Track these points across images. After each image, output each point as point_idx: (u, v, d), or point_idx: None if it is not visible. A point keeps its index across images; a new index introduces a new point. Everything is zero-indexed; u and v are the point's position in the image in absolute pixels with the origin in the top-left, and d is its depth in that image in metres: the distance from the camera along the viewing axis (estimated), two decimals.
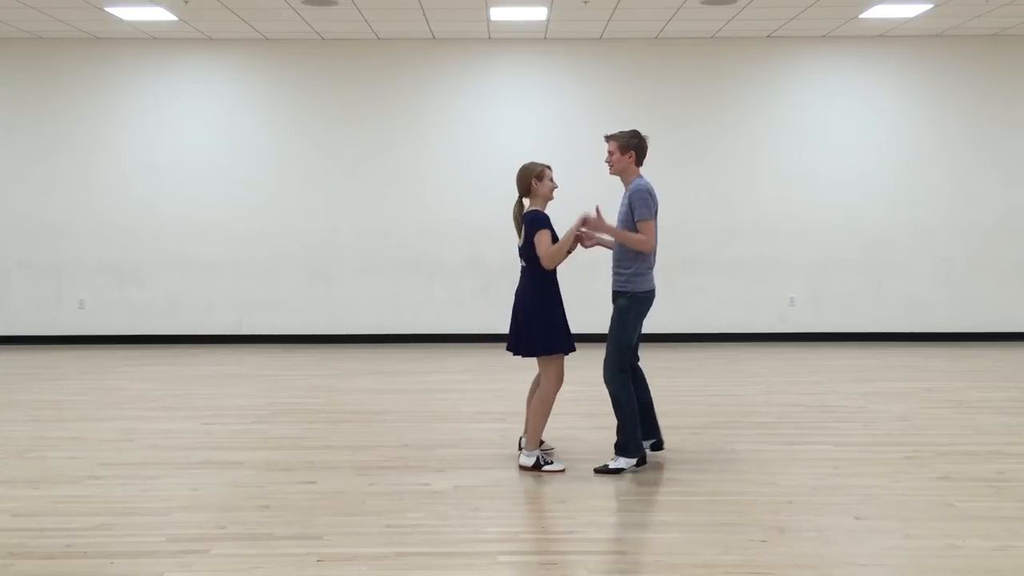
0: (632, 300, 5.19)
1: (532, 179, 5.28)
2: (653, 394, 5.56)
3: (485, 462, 5.44)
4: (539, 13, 9.12)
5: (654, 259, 5.27)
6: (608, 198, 10.05)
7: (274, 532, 4.25)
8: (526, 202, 5.34)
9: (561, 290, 5.32)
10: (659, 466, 5.38)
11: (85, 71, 10.32)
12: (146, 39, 10.22)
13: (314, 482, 5.05)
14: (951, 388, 7.77)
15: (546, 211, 5.30)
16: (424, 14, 9.09)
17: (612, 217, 5.30)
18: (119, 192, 10.39)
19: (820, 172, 10.44)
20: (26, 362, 9.31)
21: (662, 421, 5.65)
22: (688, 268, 10.41)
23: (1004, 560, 3.90)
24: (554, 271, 5.27)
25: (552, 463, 5.27)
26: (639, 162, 5.26)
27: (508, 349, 5.38)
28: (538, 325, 5.21)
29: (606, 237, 5.34)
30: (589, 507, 4.63)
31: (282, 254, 10.48)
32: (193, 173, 10.38)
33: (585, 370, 8.07)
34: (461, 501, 4.72)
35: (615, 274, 5.30)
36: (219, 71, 10.41)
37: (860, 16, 9.32)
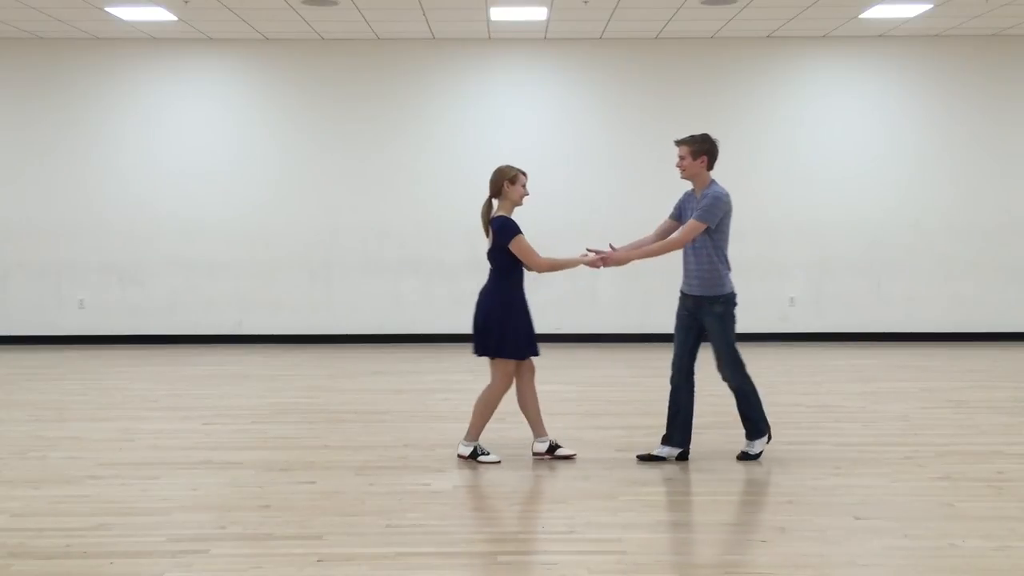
0: (727, 304, 5.36)
1: (505, 182, 5.32)
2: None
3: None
4: (539, 13, 9.11)
5: (728, 262, 5.39)
6: (610, 197, 10.18)
7: (274, 532, 4.25)
8: (495, 203, 5.37)
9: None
10: (659, 466, 5.38)
11: (85, 71, 10.31)
12: (146, 39, 10.22)
13: (314, 482, 5.05)
14: (951, 388, 7.77)
15: (513, 216, 5.33)
16: (424, 14, 9.09)
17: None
18: (119, 192, 10.39)
19: (820, 172, 10.43)
20: (26, 362, 9.30)
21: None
22: None
23: (1004, 560, 3.89)
24: (521, 278, 5.30)
25: (488, 454, 5.36)
26: (711, 166, 5.32)
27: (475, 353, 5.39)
28: (496, 328, 5.23)
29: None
30: (589, 507, 4.62)
31: (282, 254, 10.47)
32: (193, 173, 10.37)
33: (585, 370, 8.06)
34: (461, 501, 4.72)
35: (693, 278, 5.35)
36: (219, 71, 10.40)
37: (860, 16, 9.32)
